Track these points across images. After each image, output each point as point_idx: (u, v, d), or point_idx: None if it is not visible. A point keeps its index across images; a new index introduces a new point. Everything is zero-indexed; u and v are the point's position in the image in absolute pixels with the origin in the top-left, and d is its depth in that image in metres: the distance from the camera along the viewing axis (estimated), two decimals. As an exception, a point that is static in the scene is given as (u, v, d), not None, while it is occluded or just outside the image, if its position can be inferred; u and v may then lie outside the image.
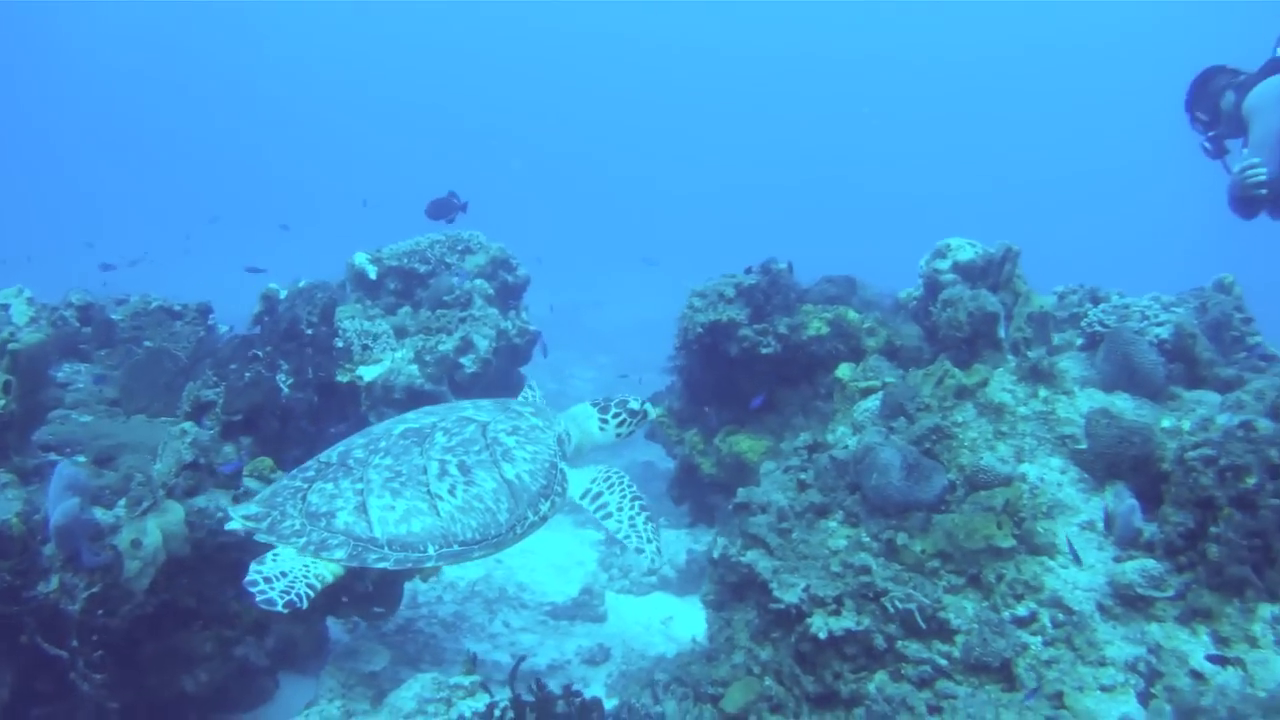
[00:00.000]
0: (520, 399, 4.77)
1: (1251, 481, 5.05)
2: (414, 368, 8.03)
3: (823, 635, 5.10)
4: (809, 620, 5.18)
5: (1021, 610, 5.16)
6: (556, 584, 11.38)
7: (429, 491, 3.77)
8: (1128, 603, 5.09)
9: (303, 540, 3.59)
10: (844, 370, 6.34)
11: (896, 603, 5.09)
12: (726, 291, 6.66)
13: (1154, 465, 5.46)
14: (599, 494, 4.32)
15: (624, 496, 4.32)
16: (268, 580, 3.48)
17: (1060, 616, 5.11)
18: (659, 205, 60.16)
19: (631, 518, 4.25)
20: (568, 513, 11.51)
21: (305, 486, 3.82)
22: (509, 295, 9.44)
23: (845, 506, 5.76)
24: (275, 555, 3.61)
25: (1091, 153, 60.35)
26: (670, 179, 65.10)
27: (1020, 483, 5.55)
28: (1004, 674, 4.97)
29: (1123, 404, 5.97)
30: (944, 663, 5.04)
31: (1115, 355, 6.04)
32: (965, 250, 6.78)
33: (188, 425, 6.28)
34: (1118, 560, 5.26)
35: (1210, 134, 6.57)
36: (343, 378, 7.39)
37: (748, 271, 6.94)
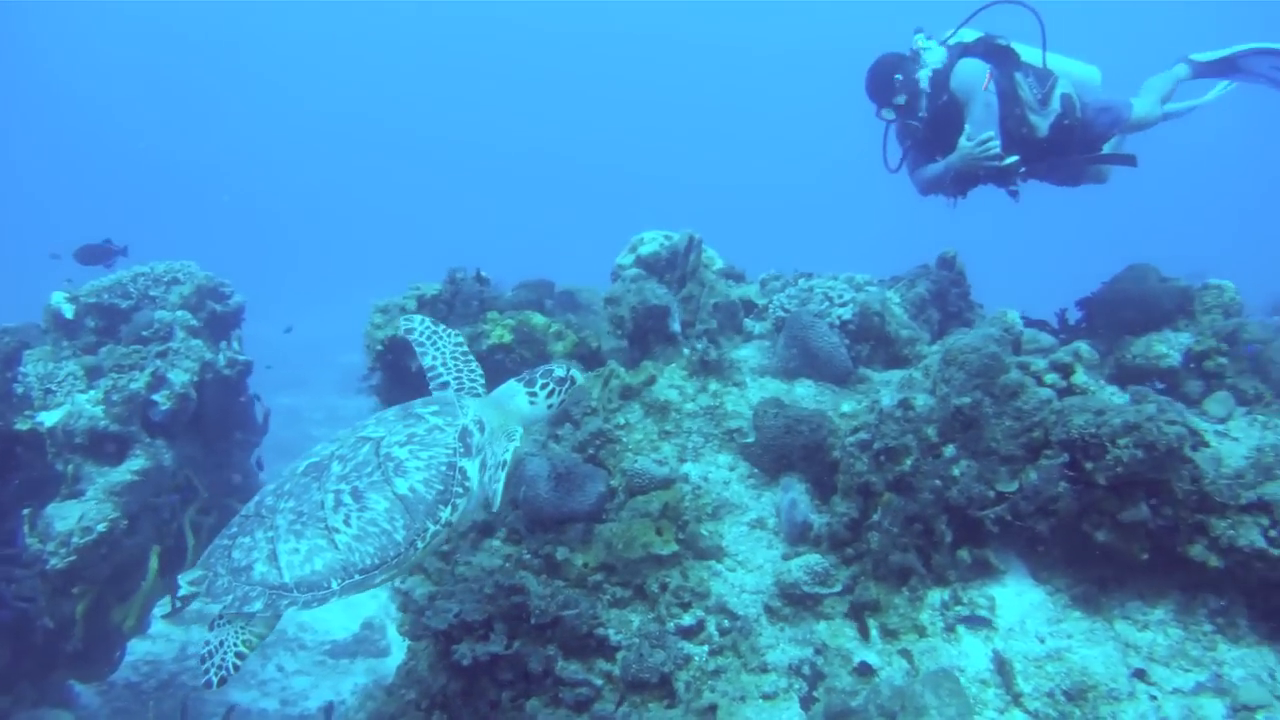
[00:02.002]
0: (429, 397, 4.46)
1: (908, 463, 4.81)
2: (99, 409, 7.49)
3: (466, 662, 4.72)
4: (455, 647, 4.80)
5: (688, 619, 4.82)
6: (342, 620, 10.91)
7: (327, 526, 3.68)
8: (795, 602, 4.80)
9: (230, 598, 3.57)
10: (525, 378, 5.97)
11: (540, 616, 4.74)
12: (408, 305, 6.26)
13: (826, 454, 5.19)
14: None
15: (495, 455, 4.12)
16: (201, 660, 3.66)
17: (726, 623, 4.79)
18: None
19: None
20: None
21: (230, 544, 3.74)
22: (219, 326, 8.94)
23: (508, 523, 5.39)
24: (217, 636, 3.70)
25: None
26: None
27: (682, 484, 5.22)
28: (665, 689, 4.63)
29: (803, 391, 5.70)
30: (601, 683, 4.69)
31: (793, 341, 5.76)
32: (651, 243, 6.47)
33: None
34: (785, 558, 4.98)
35: (918, 116, 6.68)
36: (23, 425, 6.86)
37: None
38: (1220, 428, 5.65)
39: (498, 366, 6.18)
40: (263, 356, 9.30)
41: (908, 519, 4.75)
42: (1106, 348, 6.31)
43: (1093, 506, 4.64)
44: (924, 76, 6.59)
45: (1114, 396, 5.60)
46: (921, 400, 4.97)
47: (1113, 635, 4.58)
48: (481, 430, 4.18)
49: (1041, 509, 4.69)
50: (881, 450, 4.83)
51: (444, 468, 3.91)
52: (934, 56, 6.64)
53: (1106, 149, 7.01)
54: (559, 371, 4.50)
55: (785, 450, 5.19)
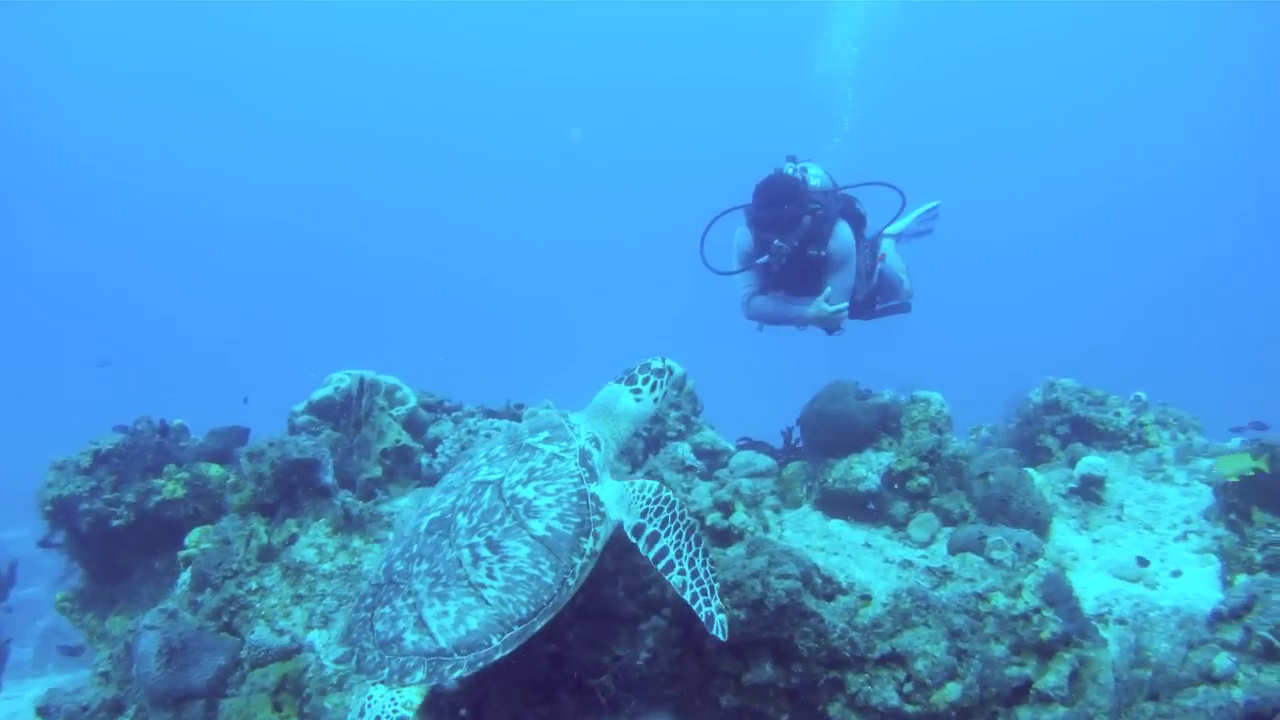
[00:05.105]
0: (535, 419, 4.30)
1: (520, 628, 4.56)
2: None
3: None
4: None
5: (302, 805, 4.55)
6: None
7: (470, 583, 3.58)
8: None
9: (386, 671, 3.47)
10: (192, 535, 5.65)
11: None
12: (83, 461, 5.96)
13: (465, 614, 4.93)
14: (654, 535, 3.88)
15: (680, 535, 3.92)
16: None
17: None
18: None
19: (694, 565, 3.90)
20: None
21: (369, 615, 3.67)
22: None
23: (138, 700, 5.09)
24: (369, 702, 3.46)
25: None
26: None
27: (307, 653, 4.93)
28: None
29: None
30: None
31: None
32: (326, 386, 6.20)
33: None
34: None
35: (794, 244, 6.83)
36: None
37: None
38: (923, 553, 5.46)
39: (168, 523, 5.90)
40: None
41: (524, 688, 4.50)
42: (815, 469, 6.12)
43: (714, 670, 4.42)
44: (807, 218, 6.76)
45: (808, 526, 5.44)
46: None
47: (757, 802, 4.36)
48: (598, 447, 4.08)
49: (662, 674, 4.46)
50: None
51: (575, 498, 3.80)
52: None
53: None
54: (655, 364, 4.49)
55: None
